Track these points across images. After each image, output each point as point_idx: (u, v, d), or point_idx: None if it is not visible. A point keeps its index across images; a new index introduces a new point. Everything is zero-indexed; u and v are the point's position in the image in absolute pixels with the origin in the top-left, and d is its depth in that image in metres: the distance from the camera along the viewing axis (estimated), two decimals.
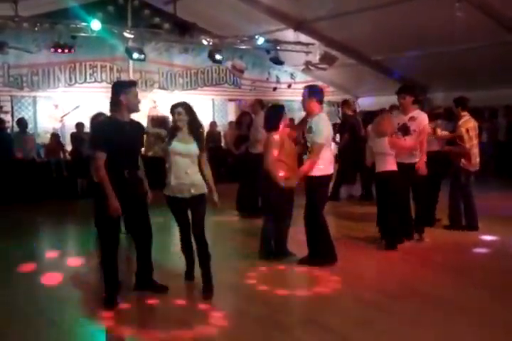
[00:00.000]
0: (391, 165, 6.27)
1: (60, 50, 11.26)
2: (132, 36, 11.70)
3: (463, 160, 7.16)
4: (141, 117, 13.53)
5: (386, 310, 4.42)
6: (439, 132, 7.42)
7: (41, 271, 5.73)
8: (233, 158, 9.04)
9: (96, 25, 10.79)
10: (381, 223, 6.62)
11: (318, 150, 5.45)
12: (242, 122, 8.93)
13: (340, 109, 12.88)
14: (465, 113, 7.25)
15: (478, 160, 7.29)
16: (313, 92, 5.70)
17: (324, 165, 5.53)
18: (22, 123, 11.44)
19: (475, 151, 7.23)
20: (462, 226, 7.28)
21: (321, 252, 5.67)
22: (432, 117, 7.37)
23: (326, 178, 5.65)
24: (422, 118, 6.56)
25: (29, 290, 5.12)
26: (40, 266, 5.94)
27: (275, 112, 6.00)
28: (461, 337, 3.90)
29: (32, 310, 4.56)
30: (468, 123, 7.20)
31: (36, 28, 10.84)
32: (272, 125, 5.85)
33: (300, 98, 5.86)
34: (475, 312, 4.36)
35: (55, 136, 12.00)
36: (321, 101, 5.70)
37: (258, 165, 8.33)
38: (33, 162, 11.09)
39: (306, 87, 5.86)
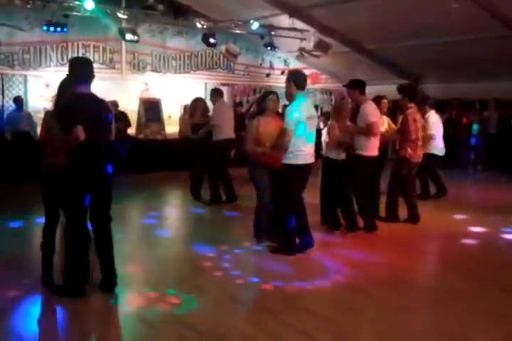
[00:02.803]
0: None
1: (52, 29, 11.15)
2: (126, 17, 11.57)
3: (409, 150, 6.96)
4: (132, 99, 13.51)
5: (373, 297, 4.48)
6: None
7: None
8: (187, 145, 8.66)
9: (89, 4, 10.67)
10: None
11: (286, 135, 5.37)
12: (196, 109, 8.58)
13: None
14: (412, 105, 7.07)
15: (421, 153, 7.19)
16: (291, 76, 5.59)
17: (294, 153, 5.40)
18: (19, 100, 11.13)
19: (419, 143, 7.10)
20: (398, 219, 7.14)
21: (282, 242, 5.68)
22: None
23: (292, 167, 5.44)
24: None
25: None
26: None
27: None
28: (448, 323, 3.96)
29: None
30: (414, 115, 7.03)
31: (28, 6, 10.70)
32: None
33: None
34: (461, 300, 4.44)
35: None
36: (298, 87, 5.52)
37: (224, 152, 8.36)
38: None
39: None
